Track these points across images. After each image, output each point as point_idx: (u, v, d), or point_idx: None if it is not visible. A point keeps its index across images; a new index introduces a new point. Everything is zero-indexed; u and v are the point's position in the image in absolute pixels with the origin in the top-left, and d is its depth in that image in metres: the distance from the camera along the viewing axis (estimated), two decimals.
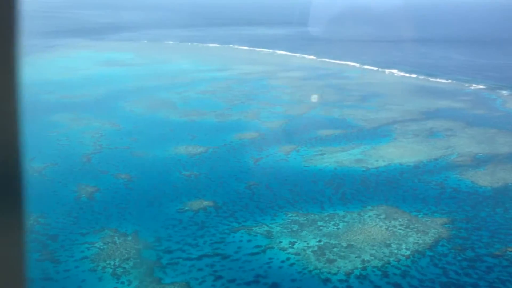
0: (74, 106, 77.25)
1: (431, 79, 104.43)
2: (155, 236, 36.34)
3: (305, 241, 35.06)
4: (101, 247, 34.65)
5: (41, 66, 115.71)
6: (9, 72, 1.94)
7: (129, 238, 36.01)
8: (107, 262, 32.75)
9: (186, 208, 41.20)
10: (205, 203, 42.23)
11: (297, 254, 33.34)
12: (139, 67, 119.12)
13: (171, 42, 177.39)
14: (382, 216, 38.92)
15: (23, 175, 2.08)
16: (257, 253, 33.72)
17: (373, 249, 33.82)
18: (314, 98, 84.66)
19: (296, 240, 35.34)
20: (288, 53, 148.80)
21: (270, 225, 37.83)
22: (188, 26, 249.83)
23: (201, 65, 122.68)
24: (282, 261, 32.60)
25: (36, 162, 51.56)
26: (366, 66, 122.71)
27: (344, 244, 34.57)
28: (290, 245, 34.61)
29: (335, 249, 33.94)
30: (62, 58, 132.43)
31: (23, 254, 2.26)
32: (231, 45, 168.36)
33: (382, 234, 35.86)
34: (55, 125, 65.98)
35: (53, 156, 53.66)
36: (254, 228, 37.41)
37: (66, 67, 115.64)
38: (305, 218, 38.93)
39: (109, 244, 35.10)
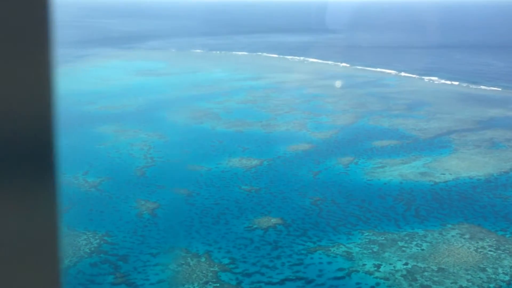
0: (117, 117, 76.31)
1: (474, 87, 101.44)
2: (229, 257, 34.59)
3: (390, 264, 32.96)
4: (176, 269, 33.00)
5: (76, 76, 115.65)
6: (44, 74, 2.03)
7: (203, 259, 34.32)
8: (186, 286, 31.06)
9: (255, 226, 39.41)
10: (273, 220, 40.41)
11: (386, 278, 31.24)
12: (173, 76, 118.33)
13: (199, 51, 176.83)
14: (467, 236, 36.61)
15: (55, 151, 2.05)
16: (342, 277, 31.72)
17: (468, 273, 31.55)
18: (359, 106, 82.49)
19: (381, 262, 33.25)
20: (320, 61, 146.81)
21: (347, 245, 35.80)
22: (211, 34, 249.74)
23: (235, 73, 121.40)
24: (372, 287, 30.52)
25: (91, 176, 50.42)
26: (403, 74, 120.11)
27: (435, 268, 32.36)
28: (376, 268, 32.53)
29: (426, 273, 31.76)
30: (95, 68, 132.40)
31: (56, 230, 2.13)
32: (260, 53, 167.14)
33: (472, 257, 33.56)
34: (101, 137, 64.95)
35: (106, 170, 52.45)
36: (331, 249, 35.43)
37: (100, 77, 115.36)
38: (383, 238, 36.82)
39: (183, 266, 33.44)
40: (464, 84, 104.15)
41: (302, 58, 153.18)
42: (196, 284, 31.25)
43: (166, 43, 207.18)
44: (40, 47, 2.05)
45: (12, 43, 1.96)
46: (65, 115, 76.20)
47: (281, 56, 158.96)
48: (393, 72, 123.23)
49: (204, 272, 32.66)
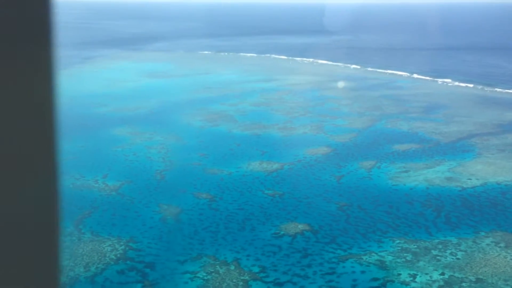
0: (131, 119, 75.53)
1: (490, 89, 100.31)
2: (258, 265, 33.68)
3: (426, 274, 31.98)
4: (205, 278, 32.11)
5: (87, 78, 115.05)
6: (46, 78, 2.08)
7: (232, 267, 33.41)
8: None
9: (282, 233, 38.50)
10: (300, 226, 39.48)
11: None
12: (183, 78, 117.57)
13: (207, 52, 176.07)
14: (502, 245, 35.62)
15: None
16: None
17: (508, 284, 30.56)
18: (375, 108, 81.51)
19: (416, 272, 32.28)
20: (330, 63, 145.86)
21: (379, 254, 34.84)
22: (217, 36, 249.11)
23: (246, 75, 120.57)
24: None
25: (110, 179, 49.62)
26: (415, 76, 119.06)
27: (473, 278, 31.37)
28: (412, 278, 31.57)
29: (464, 284, 30.79)
30: (105, 69, 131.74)
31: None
32: (268, 55, 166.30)
33: (510, 267, 32.56)
34: (117, 139, 64.14)
35: (125, 174, 51.62)
36: (363, 257, 34.47)
37: (111, 78, 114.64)
38: (415, 246, 35.84)
39: (213, 274, 32.54)
40: (479, 87, 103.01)
41: (311, 59, 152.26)
42: None
43: (173, 45, 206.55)
44: (42, 46, 2.02)
45: (15, 42, 1.93)
46: (79, 118, 75.50)
47: (290, 57, 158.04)
48: (405, 74, 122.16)
49: (234, 281, 31.76)
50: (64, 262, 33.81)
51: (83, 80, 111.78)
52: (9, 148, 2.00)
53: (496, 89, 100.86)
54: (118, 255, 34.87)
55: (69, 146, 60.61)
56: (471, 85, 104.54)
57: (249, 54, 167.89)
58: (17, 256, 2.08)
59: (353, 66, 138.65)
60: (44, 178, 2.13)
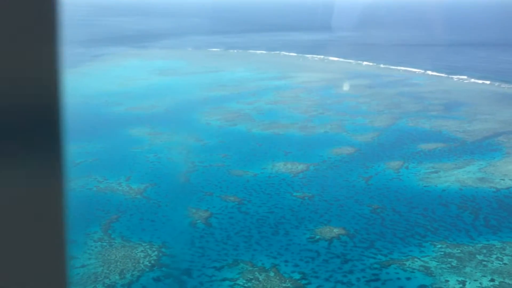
0: (147, 118, 74.44)
1: (507, 86, 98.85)
2: (298, 272, 32.59)
3: (475, 280, 30.84)
4: (246, 285, 31.04)
5: (99, 76, 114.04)
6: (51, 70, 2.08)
7: (271, 274, 32.33)
8: None
9: (317, 237, 37.39)
10: (335, 230, 38.36)
11: None
12: (196, 76, 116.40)
13: (216, 49, 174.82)
14: None
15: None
16: None
17: None
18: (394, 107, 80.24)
19: (464, 278, 31.15)
20: (341, 59, 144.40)
21: (422, 259, 33.70)
22: (225, 33, 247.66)
23: (258, 73, 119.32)
24: None
25: (134, 182, 48.58)
26: (430, 72, 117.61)
27: None
28: (461, 285, 30.44)
29: None
30: (115, 67, 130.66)
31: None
32: (278, 52, 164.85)
33: None
34: (136, 140, 63.07)
35: (148, 176, 50.56)
36: (406, 263, 33.34)
37: (123, 76, 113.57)
38: (459, 250, 34.69)
39: (253, 281, 31.48)
40: (496, 83, 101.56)
41: (322, 56, 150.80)
42: None
43: (180, 42, 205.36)
44: (47, 41, 2.00)
45: (19, 38, 1.93)
46: (96, 117, 74.50)
47: (300, 54, 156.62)
48: (418, 71, 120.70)
49: None
50: (98, 269, 32.82)
51: (95, 78, 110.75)
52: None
53: None
54: (153, 262, 33.82)
55: (89, 147, 59.62)
56: (488, 82, 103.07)
57: (258, 51, 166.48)
58: (22, 260, 2.07)
59: (365, 63, 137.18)
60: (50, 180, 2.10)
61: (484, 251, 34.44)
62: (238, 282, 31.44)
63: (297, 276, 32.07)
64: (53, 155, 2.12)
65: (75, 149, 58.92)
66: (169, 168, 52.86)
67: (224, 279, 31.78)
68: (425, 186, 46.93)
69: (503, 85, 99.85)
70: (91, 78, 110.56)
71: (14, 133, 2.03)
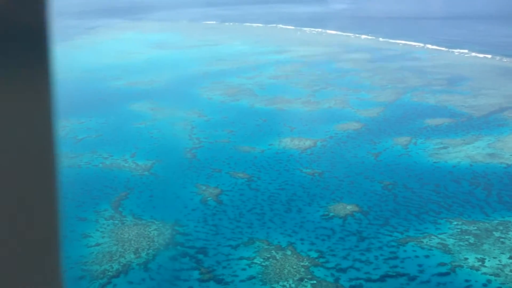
0: (148, 93, 73.23)
1: (509, 60, 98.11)
2: (315, 250, 32.24)
3: (494, 258, 30.67)
4: (264, 264, 30.67)
5: (95, 50, 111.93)
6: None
7: (288, 252, 31.97)
8: (281, 284, 28.77)
9: (331, 214, 37.01)
10: (348, 207, 37.99)
11: (496, 275, 28.98)
12: (193, 49, 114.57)
13: (212, 22, 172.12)
14: None
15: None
16: (447, 274, 29.43)
17: None
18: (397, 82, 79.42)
19: (483, 256, 30.96)
20: (339, 33, 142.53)
21: (439, 236, 33.47)
22: (219, 5, 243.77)
23: (256, 46, 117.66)
24: (484, 285, 28.27)
25: (140, 158, 47.81)
26: (430, 46, 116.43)
27: None
28: (480, 263, 30.26)
29: None
30: (111, 40, 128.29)
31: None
32: (275, 25, 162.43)
33: None
34: (139, 115, 62.05)
35: (154, 152, 49.78)
36: (423, 240, 33.09)
37: (119, 50, 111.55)
38: (475, 227, 34.49)
39: (270, 260, 31.11)
40: (497, 57, 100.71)
41: (320, 30, 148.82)
42: (291, 281, 28.95)
43: (175, 14, 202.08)
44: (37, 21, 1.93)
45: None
46: (96, 92, 73.18)
47: (298, 28, 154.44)
48: (418, 44, 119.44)
49: (295, 267, 30.34)
50: (112, 248, 32.30)
51: (90, 52, 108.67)
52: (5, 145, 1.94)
53: None
54: (167, 240, 33.33)
55: (90, 123, 58.61)
56: (489, 56, 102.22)
57: (255, 24, 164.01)
58: (15, 258, 2.02)
59: (364, 36, 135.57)
60: (42, 175, 2.02)
61: (501, 227, 34.25)
62: (255, 261, 31.06)
63: (314, 254, 31.73)
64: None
65: (76, 124, 57.91)
66: (174, 144, 52.05)
67: (241, 258, 31.39)
68: (435, 162, 46.55)
69: (504, 59, 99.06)
70: (86, 52, 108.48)
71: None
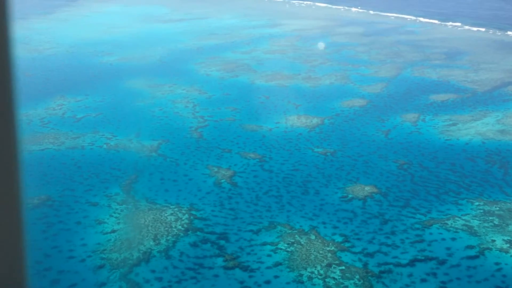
0: (143, 69, 70.92)
1: (503, 33, 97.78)
2: (339, 234, 31.46)
3: None
4: (288, 250, 29.79)
5: (80, 24, 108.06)
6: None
7: (312, 237, 31.12)
8: (309, 270, 27.94)
9: (350, 196, 36.20)
10: (366, 188, 37.22)
11: None
12: (183, 23, 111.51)
13: None
14: None
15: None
16: (476, 257, 28.96)
17: None
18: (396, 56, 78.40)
19: (510, 237, 30.58)
20: (329, 5, 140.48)
21: (463, 218, 32.97)
22: None
23: (247, 20, 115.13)
24: None
25: (145, 138, 46.18)
26: (422, 19, 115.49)
27: None
28: (509, 245, 29.86)
29: None
30: (95, 13, 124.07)
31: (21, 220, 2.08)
32: None
33: None
34: (137, 93, 59.99)
35: (158, 132, 48.14)
36: (447, 222, 32.55)
37: (105, 24, 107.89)
38: (497, 207, 34.08)
39: (295, 245, 30.23)
40: (491, 31, 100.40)
41: (309, 2, 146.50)
42: (319, 267, 28.15)
43: None
44: None
45: None
46: (88, 68, 70.56)
47: (287, 0, 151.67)
48: (410, 17, 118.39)
49: (320, 252, 29.54)
50: (130, 234, 31.03)
51: (76, 26, 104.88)
52: None
53: (508, 32, 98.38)
54: (185, 226, 32.15)
55: (88, 101, 56.49)
56: (483, 29, 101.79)
57: None
58: None
59: (354, 9, 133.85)
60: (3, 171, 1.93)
61: None
62: (279, 246, 30.14)
63: (339, 238, 30.95)
64: None
65: (74, 103, 55.79)
66: (179, 123, 50.45)
67: (264, 243, 30.44)
68: (447, 140, 45.98)
69: (498, 32, 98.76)
70: (72, 26, 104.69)
71: None
